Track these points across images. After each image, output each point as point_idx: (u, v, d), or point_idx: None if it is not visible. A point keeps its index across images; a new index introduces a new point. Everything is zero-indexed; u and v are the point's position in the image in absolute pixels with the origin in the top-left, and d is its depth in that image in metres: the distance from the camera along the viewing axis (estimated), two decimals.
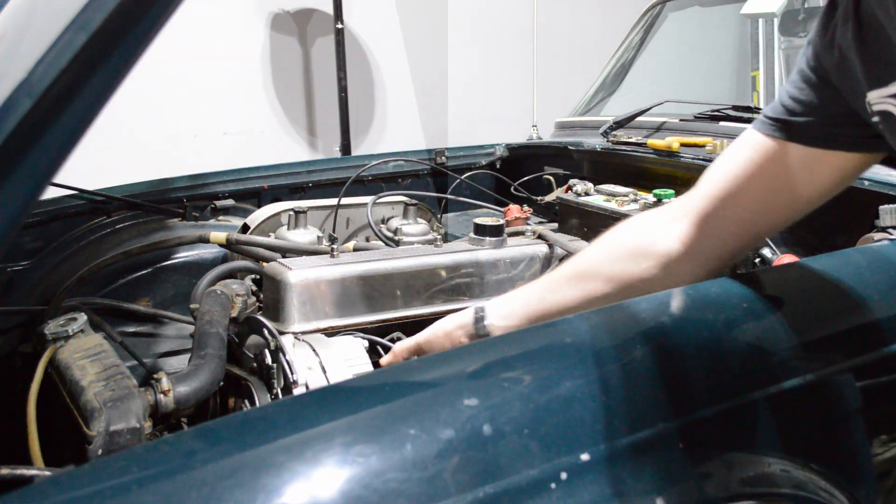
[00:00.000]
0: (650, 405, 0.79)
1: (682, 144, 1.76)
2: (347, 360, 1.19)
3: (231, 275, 1.49)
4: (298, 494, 0.63)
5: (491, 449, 0.69)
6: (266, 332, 1.22)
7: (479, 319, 1.12)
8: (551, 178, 2.11)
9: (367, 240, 1.75)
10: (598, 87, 2.47)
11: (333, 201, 1.76)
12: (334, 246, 1.42)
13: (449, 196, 2.04)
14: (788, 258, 1.28)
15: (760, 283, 0.95)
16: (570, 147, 2.09)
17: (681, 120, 1.91)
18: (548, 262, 1.52)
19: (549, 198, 1.97)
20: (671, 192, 1.60)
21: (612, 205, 1.65)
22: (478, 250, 1.47)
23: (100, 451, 0.96)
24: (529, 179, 2.16)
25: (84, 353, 1.16)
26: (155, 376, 1.08)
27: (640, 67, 2.47)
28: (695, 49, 3.35)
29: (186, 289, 1.62)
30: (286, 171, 2.08)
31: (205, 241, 1.62)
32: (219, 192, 1.97)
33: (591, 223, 1.69)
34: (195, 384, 1.11)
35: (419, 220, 1.73)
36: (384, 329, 1.35)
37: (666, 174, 1.80)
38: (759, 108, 1.88)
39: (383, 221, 1.75)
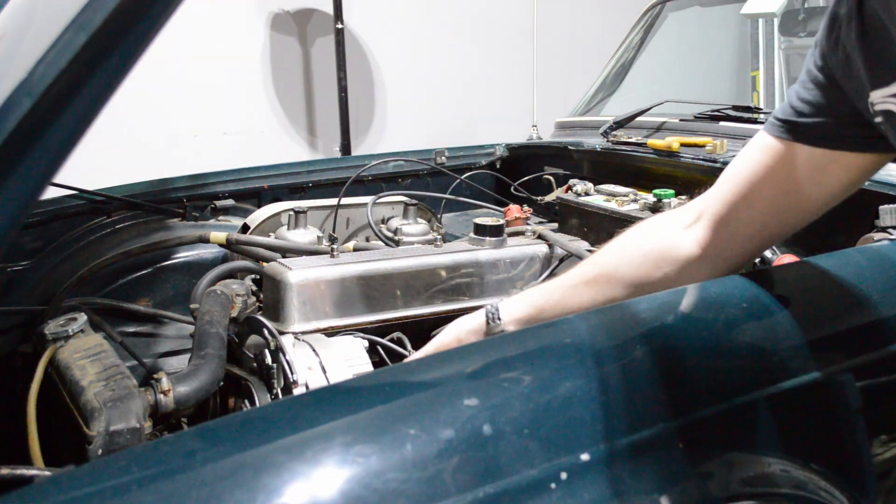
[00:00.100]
0: (650, 405, 0.79)
1: (682, 144, 1.76)
2: (347, 360, 1.19)
3: (231, 275, 1.49)
4: (298, 494, 0.63)
5: (491, 449, 0.69)
6: (266, 332, 1.22)
7: (492, 320, 1.11)
8: (551, 178, 2.11)
9: (367, 240, 1.74)
10: (598, 87, 2.47)
11: (333, 201, 1.76)
12: (334, 246, 1.42)
13: (449, 196, 2.03)
14: (788, 258, 1.28)
15: (760, 283, 0.95)
16: (570, 147, 2.09)
17: (681, 120, 1.91)
18: (548, 262, 1.52)
19: (549, 198, 1.97)
20: (671, 192, 1.60)
21: (612, 205, 1.65)
22: (478, 250, 1.47)
23: (100, 451, 0.96)
24: (529, 179, 2.16)
25: (84, 353, 1.16)
26: (155, 376, 1.08)
27: (640, 67, 2.47)
28: (695, 49, 3.35)
29: (186, 289, 1.62)
30: (286, 171, 2.09)
31: (205, 241, 1.62)
32: (219, 192, 1.97)
33: (591, 223, 1.69)
34: (195, 384, 1.10)
35: (419, 220, 1.73)
36: (384, 329, 1.35)
37: (666, 174, 1.80)
38: (760, 108, 1.88)
39: (383, 221, 1.75)
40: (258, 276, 1.49)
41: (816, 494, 0.86)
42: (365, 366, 1.20)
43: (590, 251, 1.49)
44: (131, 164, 2.68)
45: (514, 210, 1.77)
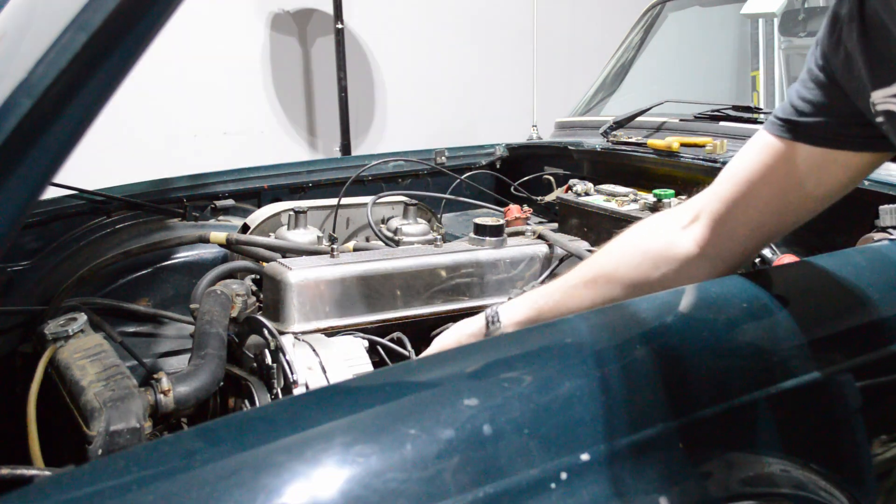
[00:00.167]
0: (650, 405, 0.79)
1: (682, 144, 1.76)
2: (347, 360, 1.19)
3: (231, 275, 1.49)
4: (298, 494, 0.63)
5: (491, 449, 0.69)
6: (266, 332, 1.22)
7: (491, 324, 1.12)
8: (551, 178, 2.11)
9: (367, 240, 1.74)
10: (598, 87, 2.47)
11: (333, 201, 1.76)
12: (334, 246, 1.42)
13: (449, 196, 2.03)
14: (788, 258, 1.28)
15: (760, 283, 0.95)
16: (570, 147, 2.09)
17: (681, 120, 1.91)
18: (548, 262, 1.52)
19: (549, 198, 1.97)
20: (671, 192, 1.60)
21: (612, 205, 1.65)
22: (478, 250, 1.47)
23: (100, 451, 0.96)
24: (529, 179, 2.16)
25: (84, 353, 1.16)
26: (155, 376, 1.08)
27: (640, 67, 2.47)
28: (695, 49, 3.35)
29: (186, 289, 1.62)
30: (286, 171, 2.09)
31: (205, 241, 1.62)
32: (219, 192, 1.97)
33: (591, 223, 1.69)
34: (195, 384, 1.10)
35: (419, 220, 1.73)
36: (384, 329, 1.35)
37: (666, 174, 1.80)
38: (760, 108, 1.88)
39: (383, 221, 1.75)
40: (258, 276, 1.49)
41: (816, 494, 0.86)
42: (365, 366, 1.20)
43: (590, 251, 1.49)
44: (131, 164, 2.68)
45: (514, 210, 1.77)
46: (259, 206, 1.91)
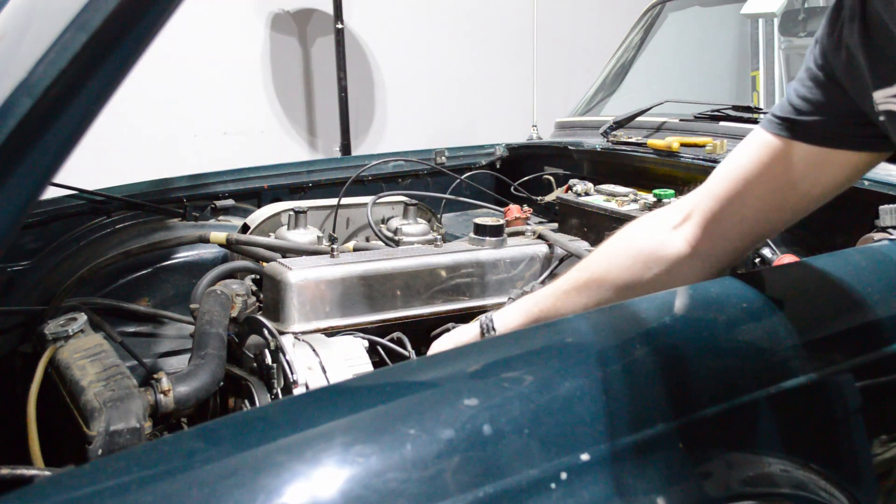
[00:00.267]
0: (650, 405, 0.79)
1: (682, 144, 1.76)
2: (347, 360, 1.19)
3: (231, 275, 1.49)
4: (298, 494, 0.63)
5: (491, 449, 0.69)
6: (266, 332, 1.22)
7: (486, 331, 1.12)
8: (551, 178, 2.11)
9: (367, 240, 1.74)
10: (598, 87, 2.47)
11: (333, 201, 1.76)
12: (334, 246, 1.42)
13: (449, 196, 2.03)
14: (788, 258, 1.28)
15: (760, 283, 0.95)
16: (570, 147, 2.09)
17: (681, 120, 1.91)
18: (548, 262, 1.52)
19: (549, 198, 1.97)
20: (671, 192, 1.60)
21: (612, 205, 1.65)
22: (478, 250, 1.47)
23: (100, 451, 0.96)
24: (529, 179, 2.16)
25: (84, 353, 1.16)
26: (155, 376, 1.08)
27: (640, 67, 2.47)
28: (695, 49, 3.35)
29: (186, 289, 1.62)
30: (286, 171, 2.09)
31: (205, 241, 1.62)
32: (219, 192, 1.97)
33: (591, 223, 1.69)
34: (195, 384, 1.11)
35: (419, 220, 1.73)
36: (384, 329, 1.35)
37: (666, 174, 1.80)
38: (760, 108, 1.88)
39: (383, 221, 1.75)
40: (258, 276, 1.49)
41: (816, 494, 0.86)
42: (365, 366, 1.20)
43: (589, 251, 1.49)
44: (131, 164, 2.68)
45: (514, 210, 1.77)
46: (259, 206, 1.91)
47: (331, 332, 1.31)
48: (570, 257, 1.49)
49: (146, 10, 0.58)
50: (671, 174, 1.78)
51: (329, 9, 3.57)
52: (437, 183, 2.22)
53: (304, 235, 1.62)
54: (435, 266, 1.41)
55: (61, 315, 1.30)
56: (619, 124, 2.02)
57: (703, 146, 1.71)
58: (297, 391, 1.13)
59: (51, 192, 1.64)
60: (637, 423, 0.76)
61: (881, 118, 0.86)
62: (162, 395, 1.06)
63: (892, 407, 1.00)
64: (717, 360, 0.87)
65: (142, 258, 1.67)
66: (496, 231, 1.50)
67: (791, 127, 0.94)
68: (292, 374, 1.14)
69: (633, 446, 0.75)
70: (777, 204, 0.97)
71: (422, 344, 1.36)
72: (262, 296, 1.41)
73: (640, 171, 1.89)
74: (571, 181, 1.82)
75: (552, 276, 1.48)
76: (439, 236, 1.68)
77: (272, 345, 1.19)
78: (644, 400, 0.79)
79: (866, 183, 1.29)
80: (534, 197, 2.06)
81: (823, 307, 0.99)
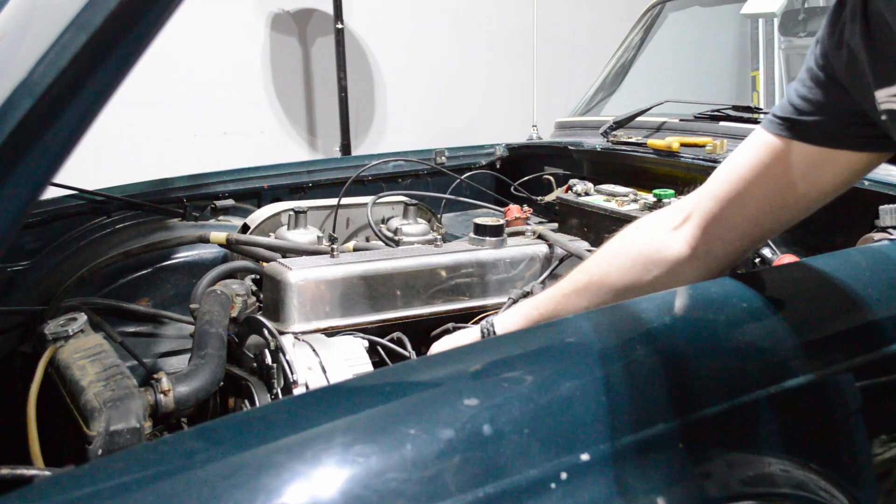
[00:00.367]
0: (650, 405, 0.79)
1: (682, 144, 1.76)
2: (347, 360, 1.19)
3: (231, 275, 1.49)
4: (298, 494, 0.63)
5: (491, 449, 0.69)
6: (266, 332, 1.22)
7: (487, 335, 1.12)
8: (551, 178, 2.11)
9: (367, 240, 1.74)
10: (598, 87, 2.47)
11: (333, 201, 1.76)
12: (334, 246, 1.42)
13: (449, 196, 2.04)
14: (788, 258, 1.28)
15: (760, 283, 0.95)
16: (570, 147, 2.09)
17: (681, 120, 1.91)
18: (548, 262, 1.52)
19: (549, 198, 1.97)
20: (671, 192, 1.60)
21: (612, 205, 1.66)
22: (478, 250, 1.47)
23: (100, 451, 0.96)
24: (529, 179, 2.16)
25: (84, 353, 1.16)
26: (155, 376, 1.08)
27: (640, 67, 2.47)
28: (695, 49, 3.35)
29: (186, 289, 1.62)
30: (286, 171, 2.09)
31: (205, 241, 1.62)
32: (219, 192, 1.96)
33: (591, 223, 1.69)
34: (195, 384, 1.11)
35: (419, 220, 1.73)
36: (384, 329, 1.35)
37: (666, 174, 1.80)
38: (760, 108, 1.88)
39: (383, 221, 1.75)
40: (258, 276, 1.49)
41: (816, 494, 0.86)
42: (365, 366, 1.20)
43: (590, 251, 1.49)
44: (131, 164, 2.68)
45: (514, 210, 1.77)
46: (259, 206, 1.91)
47: (331, 332, 1.31)
48: (570, 257, 1.49)
49: (146, 10, 0.58)
50: (671, 174, 1.78)
51: (329, 9, 3.57)
52: (437, 183, 2.22)
53: (304, 235, 1.62)
54: (435, 266, 1.41)
55: (61, 315, 1.30)
56: (619, 124, 2.02)
57: (703, 146, 1.71)
58: (297, 391, 1.13)
59: (51, 192, 1.64)
60: (637, 423, 0.76)
61: (883, 117, 0.86)
62: (162, 395, 1.06)
63: (892, 407, 1.00)
64: (718, 360, 0.87)
65: (142, 258, 1.67)
66: (496, 231, 1.50)
67: (791, 127, 0.94)
68: (292, 374, 1.14)
69: (633, 446, 0.75)
70: (777, 204, 0.97)
71: (422, 344, 1.36)
72: (262, 296, 1.41)
73: (640, 171, 1.89)
74: (571, 181, 1.82)
75: (552, 276, 1.48)
76: (439, 236, 1.68)
77: (272, 345, 1.19)
78: (644, 400, 0.79)
79: (866, 183, 1.29)
80: (534, 197, 2.06)
81: (823, 307, 0.99)
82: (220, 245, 1.61)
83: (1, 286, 1.58)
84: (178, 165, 2.35)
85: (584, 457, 0.72)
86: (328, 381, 1.14)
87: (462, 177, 2.16)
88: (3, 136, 0.56)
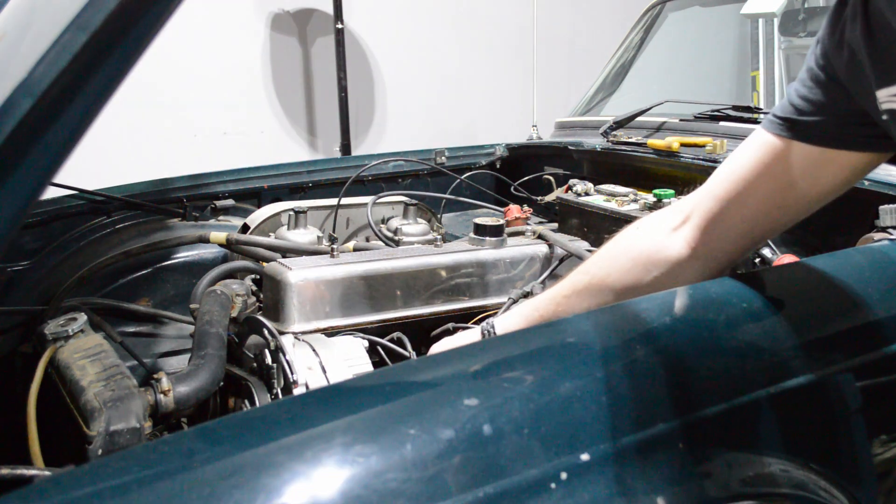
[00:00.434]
0: (650, 405, 0.79)
1: (682, 144, 1.76)
2: (347, 360, 1.19)
3: (231, 275, 1.49)
4: (298, 494, 0.63)
5: (491, 449, 0.69)
6: (266, 332, 1.22)
7: (488, 337, 1.12)
8: (551, 178, 2.12)
9: (367, 240, 1.75)
10: (598, 87, 2.47)
11: (333, 201, 1.76)
12: (334, 246, 1.42)
13: (449, 196, 2.04)
14: (788, 258, 1.28)
15: (760, 283, 0.95)
16: (570, 147, 2.09)
17: (681, 120, 1.91)
18: (548, 262, 1.52)
19: (549, 198, 1.97)
20: (671, 192, 1.60)
21: (612, 205, 1.65)
22: (478, 250, 1.47)
23: (100, 451, 0.96)
24: (529, 179, 2.16)
25: (84, 353, 1.16)
26: (155, 376, 1.08)
27: (640, 67, 2.47)
28: (695, 49, 3.34)
29: (186, 289, 1.62)
30: (286, 171, 2.09)
31: (205, 241, 1.62)
32: (219, 192, 1.97)
33: (591, 223, 1.69)
34: (195, 384, 1.11)
35: (419, 220, 1.73)
36: (384, 329, 1.35)
37: (666, 174, 1.80)
38: (760, 108, 1.88)
39: (383, 221, 1.75)
40: (258, 276, 1.49)
41: (816, 494, 0.86)
42: (365, 366, 1.20)
43: (590, 251, 1.49)
44: (131, 164, 2.68)
45: (514, 210, 1.77)
46: (259, 206, 1.92)
47: (331, 332, 1.31)
48: (570, 257, 1.49)
49: (146, 10, 0.58)
50: (671, 174, 1.78)
51: (329, 9, 3.57)
52: (437, 183, 2.22)
53: (304, 235, 1.62)
54: (435, 266, 1.41)
55: (61, 315, 1.30)
56: (619, 124, 2.02)
57: (703, 146, 1.71)
58: (297, 391, 1.13)
59: (51, 192, 1.64)
60: (637, 423, 0.76)
61: (884, 117, 0.86)
62: (162, 395, 1.06)
63: (892, 407, 1.00)
64: (718, 360, 0.87)
65: (142, 258, 1.67)
66: (496, 231, 1.50)
67: (792, 127, 0.94)
68: (292, 374, 1.14)
69: (633, 446, 0.75)
70: (777, 204, 0.97)
71: (422, 344, 1.36)
72: (262, 296, 1.41)
73: (640, 171, 1.89)
74: (571, 181, 1.82)
75: (552, 276, 1.48)
76: (439, 236, 1.68)
77: (272, 345, 1.19)
78: (644, 400, 0.79)
79: (866, 183, 1.29)
80: (534, 197, 2.06)
81: (823, 307, 0.99)
82: (220, 245, 1.61)
83: (1, 286, 1.58)
84: (178, 165, 2.35)
85: (585, 457, 0.72)
86: (328, 381, 1.14)
87: (462, 177, 2.16)
88: (3, 136, 0.56)
